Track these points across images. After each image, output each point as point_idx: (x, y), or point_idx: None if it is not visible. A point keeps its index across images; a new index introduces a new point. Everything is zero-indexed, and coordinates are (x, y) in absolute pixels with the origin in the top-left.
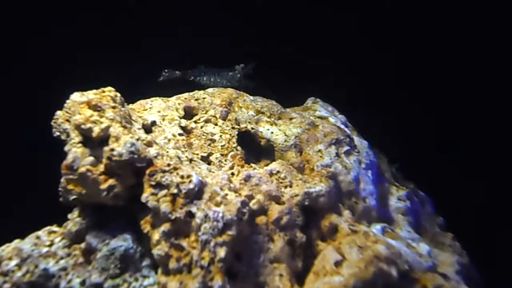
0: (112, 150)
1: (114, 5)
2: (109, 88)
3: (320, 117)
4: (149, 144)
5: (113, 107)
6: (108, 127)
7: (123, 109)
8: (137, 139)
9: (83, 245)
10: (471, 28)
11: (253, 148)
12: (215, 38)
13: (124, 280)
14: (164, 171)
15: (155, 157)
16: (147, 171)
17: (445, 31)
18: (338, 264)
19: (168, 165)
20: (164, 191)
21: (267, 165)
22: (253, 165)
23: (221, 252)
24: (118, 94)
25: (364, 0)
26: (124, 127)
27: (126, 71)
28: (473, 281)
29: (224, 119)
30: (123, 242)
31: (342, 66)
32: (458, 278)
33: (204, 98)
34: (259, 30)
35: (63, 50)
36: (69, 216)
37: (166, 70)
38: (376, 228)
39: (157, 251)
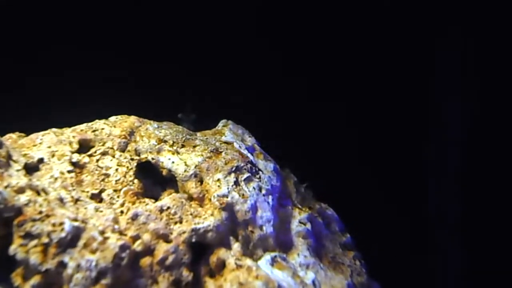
0: None
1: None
2: None
3: (226, 142)
4: (20, 190)
5: None
6: None
7: None
8: (6, 187)
9: None
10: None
11: (159, 177)
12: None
13: None
14: (34, 220)
15: (26, 204)
16: (15, 222)
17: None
18: None
19: (40, 212)
20: (35, 241)
21: (170, 194)
22: (146, 200)
23: None
24: None
25: None
26: None
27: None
28: None
29: (123, 150)
30: None
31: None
32: None
33: (102, 128)
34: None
35: None
36: None
37: None
38: (266, 258)
39: None
